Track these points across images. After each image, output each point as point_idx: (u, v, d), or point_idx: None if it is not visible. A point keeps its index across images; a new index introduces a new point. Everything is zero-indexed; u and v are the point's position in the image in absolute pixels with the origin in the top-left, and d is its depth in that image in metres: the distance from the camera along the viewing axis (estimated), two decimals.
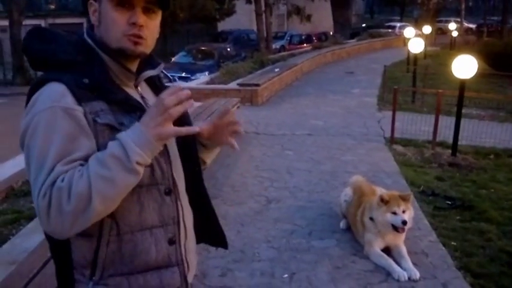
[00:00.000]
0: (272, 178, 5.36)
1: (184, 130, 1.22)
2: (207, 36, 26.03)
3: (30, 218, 3.96)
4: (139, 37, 1.27)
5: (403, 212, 3.38)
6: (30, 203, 4.44)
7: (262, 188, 5.04)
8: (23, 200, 4.56)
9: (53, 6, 26.56)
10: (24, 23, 17.75)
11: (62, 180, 1.11)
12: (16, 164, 4.97)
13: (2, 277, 2.59)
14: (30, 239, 3.33)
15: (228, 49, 17.54)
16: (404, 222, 3.34)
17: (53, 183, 1.11)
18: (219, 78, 11.05)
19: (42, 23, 24.95)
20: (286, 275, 3.30)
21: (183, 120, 1.37)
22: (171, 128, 1.17)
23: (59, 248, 1.29)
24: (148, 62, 1.39)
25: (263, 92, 10.07)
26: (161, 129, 1.15)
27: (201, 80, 11.84)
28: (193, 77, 13.41)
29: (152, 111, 1.17)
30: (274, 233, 3.97)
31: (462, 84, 6.24)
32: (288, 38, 26.12)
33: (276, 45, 22.96)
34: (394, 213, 3.37)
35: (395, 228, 3.39)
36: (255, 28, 21.79)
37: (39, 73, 1.31)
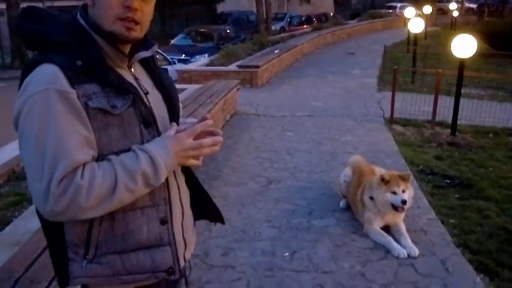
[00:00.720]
0: (272, 159, 5.39)
1: (198, 164, 1.35)
2: (206, 18, 25.85)
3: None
4: (134, 21, 1.25)
5: (403, 191, 3.41)
6: None
7: (262, 169, 5.07)
8: (24, 182, 4.58)
9: None
10: (21, 5, 17.58)
11: (82, 177, 1.15)
12: (16, 147, 4.95)
13: (6, 258, 2.63)
14: (33, 220, 3.35)
15: (228, 31, 17.40)
16: (404, 202, 3.38)
17: (71, 175, 1.14)
18: (218, 60, 11.01)
19: (39, 5, 24.79)
20: (287, 254, 3.35)
21: (175, 113, 1.42)
22: (192, 161, 1.32)
23: (51, 227, 1.30)
24: (141, 43, 1.36)
25: (263, 73, 10.05)
26: (187, 161, 1.31)
27: (201, 62, 11.79)
28: (192, 59, 13.34)
29: (186, 143, 1.27)
30: (274, 212, 4.01)
31: (461, 64, 6.23)
32: (288, 20, 25.90)
33: (275, 26, 22.80)
34: (394, 192, 3.41)
35: (395, 207, 3.43)
36: (254, 9, 21.62)
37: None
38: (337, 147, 5.83)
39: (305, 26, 23.92)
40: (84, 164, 1.18)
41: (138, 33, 1.29)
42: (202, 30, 17.47)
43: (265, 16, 19.21)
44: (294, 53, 13.23)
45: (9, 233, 3.27)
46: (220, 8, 27.11)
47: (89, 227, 1.26)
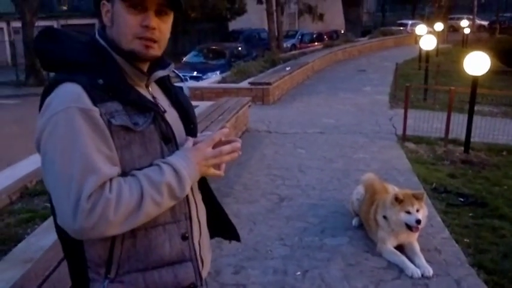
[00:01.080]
0: (284, 176, 5.38)
1: (219, 174, 1.37)
2: (218, 35, 26.13)
3: (45, 217, 3.98)
4: (152, 40, 1.27)
5: (417, 211, 3.37)
6: (44, 202, 4.48)
7: (274, 186, 5.06)
8: (37, 199, 4.60)
9: (65, 7, 26.84)
10: (36, 24, 17.94)
11: (110, 191, 1.16)
12: (30, 163, 5.02)
13: (18, 275, 2.63)
14: (45, 237, 3.34)
15: (239, 48, 17.58)
16: (418, 221, 3.34)
17: (100, 190, 1.15)
18: (230, 77, 11.10)
19: (54, 24, 25.25)
20: (299, 273, 3.32)
21: (192, 130, 1.43)
22: (214, 171, 1.34)
23: (71, 247, 1.29)
24: (158, 62, 1.39)
25: (274, 90, 10.10)
26: (209, 170, 1.33)
27: (213, 79, 11.89)
28: (204, 76, 13.48)
29: (206, 152, 1.29)
30: (286, 230, 3.99)
31: (474, 81, 6.21)
32: (299, 37, 26.12)
33: (286, 44, 22.98)
34: (408, 212, 3.37)
35: (409, 227, 3.39)
36: (266, 27, 21.82)
37: (52, 74, 1.31)
38: (349, 165, 5.80)
39: (316, 43, 24.09)
40: (110, 179, 1.18)
41: (157, 51, 1.31)
42: (214, 47, 17.68)
43: (276, 33, 19.37)
44: (305, 70, 13.29)
45: (21, 250, 3.25)
46: (232, 25, 27.40)
47: (111, 245, 1.25)
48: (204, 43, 20.38)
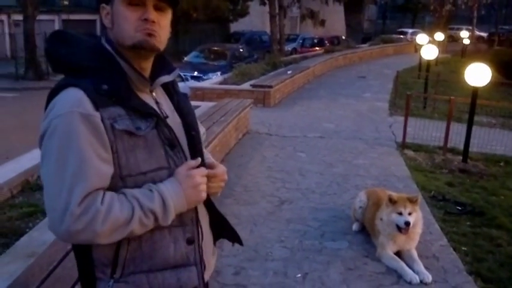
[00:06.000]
0: (284, 179, 5.42)
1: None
2: (219, 36, 26.15)
3: None
4: (153, 31, 1.30)
5: (409, 214, 3.43)
6: None
7: (274, 189, 5.10)
8: (38, 193, 4.61)
9: (66, 2, 26.75)
10: (38, 18, 17.92)
11: (102, 203, 1.20)
12: (31, 158, 5.01)
13: (22, 269, 2.61)
14: (48, 231, 3.32)
15: (241, 50, 17.60)
16: (407, 223, 3.39)
17: (92, 200, 1.19)
18: (232, 78, 11.14)
19: (55, 18, 25.23)
20: (299, 275, 3.36)
21: (193, 138, 1.46)
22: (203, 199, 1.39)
23: (80, 246, 1.33)
24: (163, 66, 1.42)
25: (275, 93, 10.15)
26: (198, 201, 1.37)
27: (214, 80, 11.93)
28: (205, 77, 13.49)
29: (191, 180, 1.33)
30: (287, 233, 4.03)
31: (475, 92, 6.27)
32: (301, 41, 26.17)
33: (287, 47, 23.02)
34: (400, 213, 3.43)
35: (399, 228, 3.44)
36: (267, 30, 21.88)
37: (52, 75, 1.34)
38: (349, 170, 5.85)
39: (317, 48, 24.14)
40: (104, 191, 1.23)
41: (158, 42, 1.32)
42: (216, 48, 17.69)
43: (278, 37, 19.42)
44: (306, 74, 13.35)
45: (24, 244, 3.23)
46: (234, 27, 27.44)
47: (117, 247, 1.29)
48: (205, 43, 20.40)
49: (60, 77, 1.36)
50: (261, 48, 21.07)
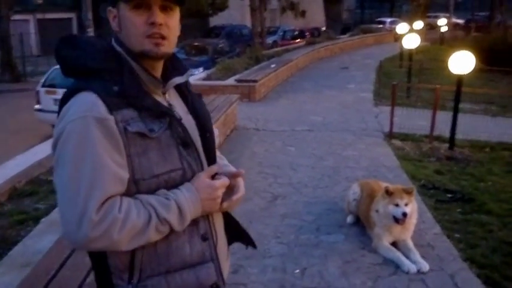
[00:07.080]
0: (276, 174, 5.42)
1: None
2: (199, 31, 25.92)
3: (37, 219, 3.90)
4: (161, 36, 1.28)
5: (406, 205, 3.47)
6: (34, 203, 4.41)
7: (266, 184, 5.10)
8: (27, 200, 4.51)
9: (41, 1, 26.18)
10: (12, 18, 17.57)
11: (119, 211, 1.19)
12: (18, 163, 4.91)
13: (18, 280, 2.55)
14: (42, 240, 3.26)
15: (222, 45, 17.53)
16: (404, 214, 3.43)
17: (110, 207, 1.19)
18: (215, 74, 11.07)
19: (30, 18, 24.70)
20: (298, 270, 3.37)
21: (207, 139, 1.45)
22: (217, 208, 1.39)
23: (95, 254, 1.32)
24: (175, 67, 1.40)
25: (260, 88, 10.13)
26: (213, 211, 1.38)
27: (197, 76, 11.84)
28: None
29: (211, 192, 1.33)
30: (282, 228, 4.04)
31: (459, 80, 6.35)
32: (281, 33, 26.13)
33: (268, 40, 22.97)
34: (397, 205, 3.47)
35: (396, 219, 3.48)
36: (247, 23, 21.79)
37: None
38: (339, 162, 5.88)
39: (298, 40, 24.15)
40: (121, 197, 1.21)
41: (167, 48, 1.31)
42: (197, 44, 17.59)
43: (259, 30, 19.36)
44: (289, 67, 13.35)
45: (18, 253, 3.17)
46: (213, 21, 27.26)
47: (132, 251, 1.27)
48: (184, 39, 20.23)
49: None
50: (242, 42, 20.99)
